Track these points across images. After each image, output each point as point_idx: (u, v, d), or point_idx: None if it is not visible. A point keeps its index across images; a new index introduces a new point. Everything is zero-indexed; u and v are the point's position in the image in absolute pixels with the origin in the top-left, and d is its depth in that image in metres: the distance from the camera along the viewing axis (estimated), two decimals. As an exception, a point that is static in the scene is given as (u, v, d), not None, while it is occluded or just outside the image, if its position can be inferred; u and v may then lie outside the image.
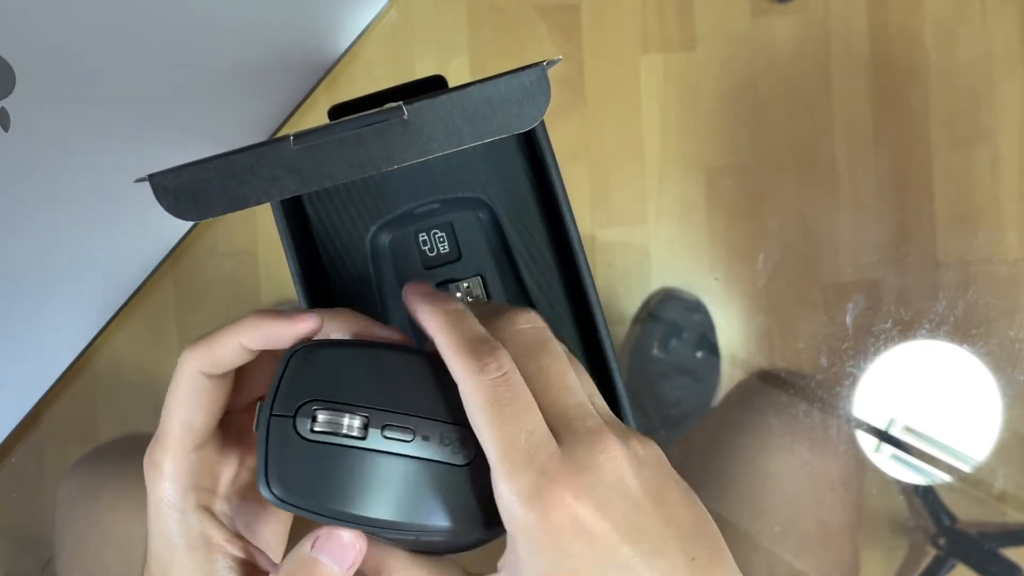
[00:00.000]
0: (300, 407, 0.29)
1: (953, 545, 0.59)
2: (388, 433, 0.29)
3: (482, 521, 0.30)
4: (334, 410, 0.29)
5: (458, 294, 0.40)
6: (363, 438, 0.29)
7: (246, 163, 0.29)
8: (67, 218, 0.52)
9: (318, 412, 0.29)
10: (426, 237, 0.40)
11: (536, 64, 0.29)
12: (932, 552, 0.59)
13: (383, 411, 0.29)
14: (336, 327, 0.32)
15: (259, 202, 0.29)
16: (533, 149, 0.39)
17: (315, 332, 0.31)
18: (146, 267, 0.54)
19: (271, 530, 0.35)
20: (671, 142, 0.58)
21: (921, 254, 0.58)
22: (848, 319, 0.58)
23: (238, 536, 0.33)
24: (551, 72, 0.30)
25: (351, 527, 0.29)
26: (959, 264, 0.58)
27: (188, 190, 0.29)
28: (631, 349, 0.59)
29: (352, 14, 0.53)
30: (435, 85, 0.41)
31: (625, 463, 0.28)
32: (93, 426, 0.56)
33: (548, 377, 0.29)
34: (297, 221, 0.39)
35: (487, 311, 0.31)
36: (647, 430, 0.58)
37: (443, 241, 0.40)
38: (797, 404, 0.57)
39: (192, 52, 0.52)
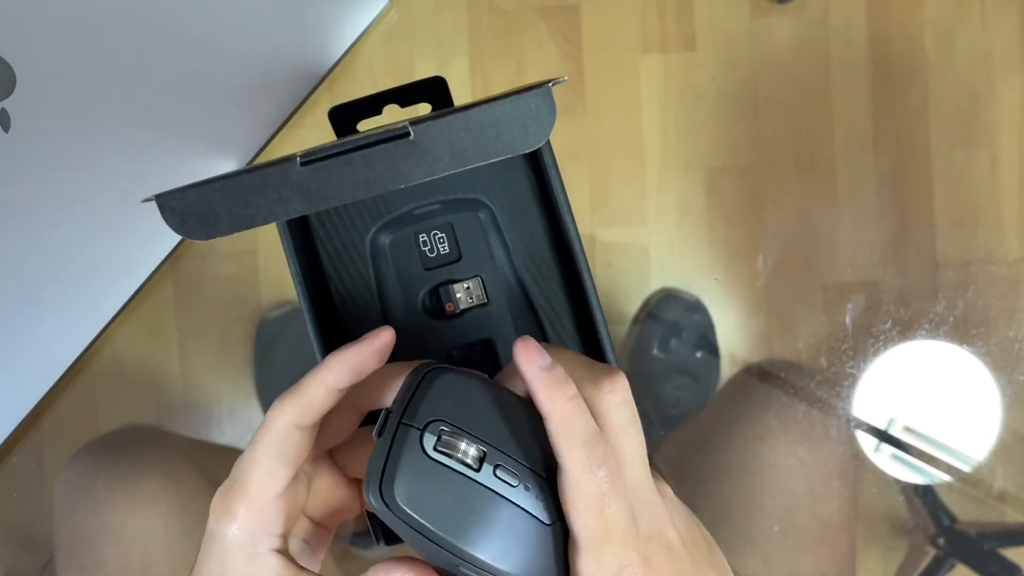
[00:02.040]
0: (429, 423, 0.30)
1: (952, 545, 0.59)
2: (499, 473, 0.30)
3: None
4: (459, 435, 0.30)
5: (458, 295, 0.40)
6: (477, 470, 0.30)
7: (252, 184, 0.29)
8: (67, 218, 0.52)
9: (444, 433, 0.30)
10: (426, 238, 0.40)
11: (541, 85, 0.29)
12: (931, 552, 0.59)
13: (499, 451, 0.30)
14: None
15: (266, 222, 0.29)
16: (533, 151, 0.39)
17: (393, 341, 0.33)
18: (146, 267, 0.54)
19: (313, 568, 0.36)
20: (671, 142, 0.58)
21: (921, 254, 0.58)
22: (848, 319, 0.58)
23: (304, 569, 0.33)
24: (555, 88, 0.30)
25: (443, 556, 0.30)
26: (959, 264, 0.58)
27: (195, 211, 0.29)
28: (631, 349, 0.59)
29: (352, 15, 0.53)
30: (435, 86, 0.41)
31: (668, 522, 0.32)
32: (93, 426, 0.57)
33: (633, 453, 0.32)
34: (297, 222, 0.39)
35: (585, 367, 0.33)
36: (647, 430, 0.58)
37: (443, 242, 0.40)
38: (796, 403, 0.57)
39: (192, 52, 0.52)
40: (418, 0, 0.56)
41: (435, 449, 0.30)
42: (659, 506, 0.32)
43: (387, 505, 0.29)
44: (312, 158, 0.29)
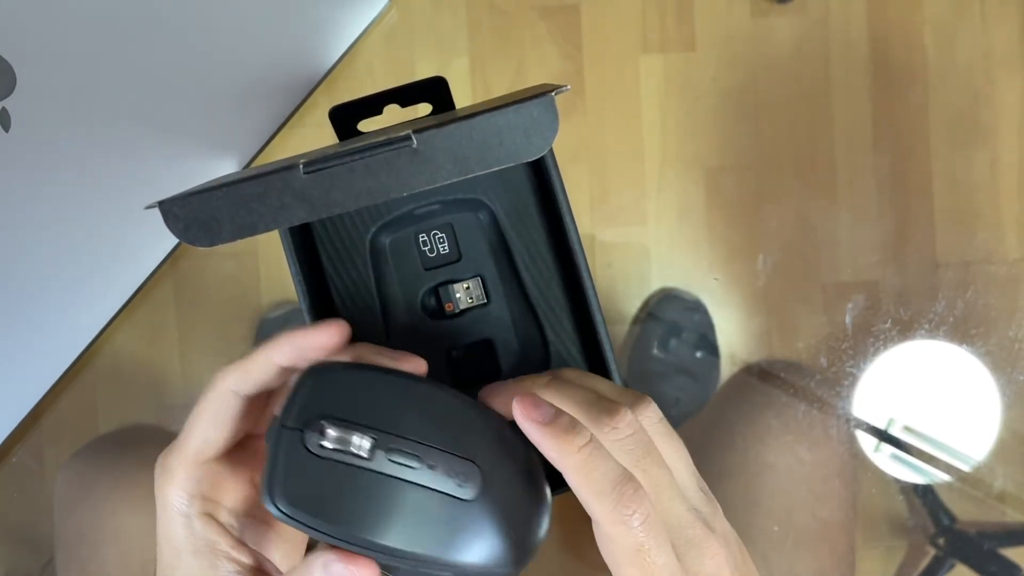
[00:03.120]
0: (310, 422, 0.29)
1: (952, 545, 0.59)
2: (394, 457, 0.29)
3: (482, 559, 0.30)
4: (343, 428, 0.29)
5: (458, 295, 0.40)
6: (369, 459, 0.29)
7: (255, 191, 0.29)
8: (67, 218, 0.52)
9: (327, 428, 0.29)
10: (426, 238, 0.40)
11: (544, 93, 0.29)
12: (931, 552, 0.59)
13: (392, 435, 0.29)
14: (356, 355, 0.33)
15: (268, 229, 0.29)
16: None
17: (344, 339, 0.32)
18: (146, 267, 0.54)
19: (281, 552, 0.36)
20: (671, 142, 0.58)
21: (921, 254, 0.58)
22: (848, 319, 0.58)
23: (244, 544, 0.33)
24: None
25: (353, 550, 0.29)
26: (959, 264, 0.58)
27: (198, 218, 0.29)
28: (631, 349, 0.59)
29: (352, 15, 0.53)
30: (436, 86, 0.41)
31: (724, 560, 0.31)
32: (93, 426, 0.57)
33: (657, 487, 0.31)
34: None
35: (585, 405, 0.31)
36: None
37: (443, 242, 0.40)
38: (796, 403, 0.57)
39: (192, 52, 0.52)
40: (418, 0, 0.56)
41: (320, 447, 0.29)
42: (708, 542, 0.31)
43: (283, 512, 0.28)
44: (314, 166, 0.29)
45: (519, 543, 0.30)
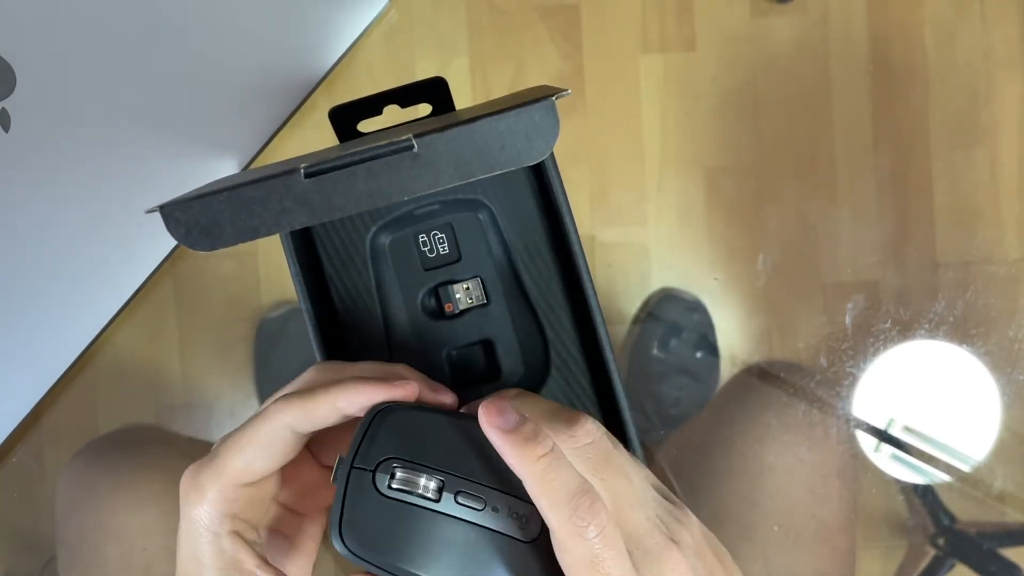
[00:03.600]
0: (380, 463, 0.30)
1: (952, 545, 0.59)
2: (461, 500, 0.30)
3: None
4: (412, 470, 0.30)
5: (458, 295, 0.40)
6: (437, 500, 0.30)
7: (257, 196, 0.29)
8: (67, 218, 0.52)
9: (397, 470, 0.30)
10: (426, 238, 0.40)
11: (545, 97, 0.29)
12: (931, 552, 0.59)
13: (458, 477, 0.30)
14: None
15: (269, 233, 0.30)
16: None
17: (414, 397, 0.32)
18: (146, 267, 0.54)
19: (297, 566, 0.36)
20: (671, 142, 0.58)
21: (921, 254, 0.58)
22: (848, 319, 0.58)
23: (267, 562, 0.33)
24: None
25: None
26: (959, 264, 0.58)
27: (199, 222, 0.29)
28: (631, 349, 0.59)
29: (352, 15, 0.53)
30: (435, 86, 0.41)
31: (685, 571, 0.31)
32: (93, 426, 0.57)
33: (615, 496, 0.31)
34: (297, 222, 0.39)
35: (546, 415, 0.32)
36: (646, 430, 0.58)
37: (443, 242, 0.40)
38: (796, 403, 0.57)
39: (191, 52, 0.52)
40: (418, 0, 0.56)
41: (390, 487, 0.30)
42: (668, 552, 0.31)
43: (351, 551, 0.29)
44: (316, 170, 0.29)
45: None
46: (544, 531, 0.30)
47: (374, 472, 0.30)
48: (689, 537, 0.32)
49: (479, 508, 0.30)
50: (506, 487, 0.30)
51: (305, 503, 0.36)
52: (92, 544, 0.53)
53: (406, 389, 0.32)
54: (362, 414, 0.32)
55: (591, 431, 0.31)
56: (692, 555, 0.31)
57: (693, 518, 0.33)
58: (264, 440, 0.32)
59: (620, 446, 0.33)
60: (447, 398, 0.34)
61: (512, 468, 0.30)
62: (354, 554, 0.29)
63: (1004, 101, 0.59)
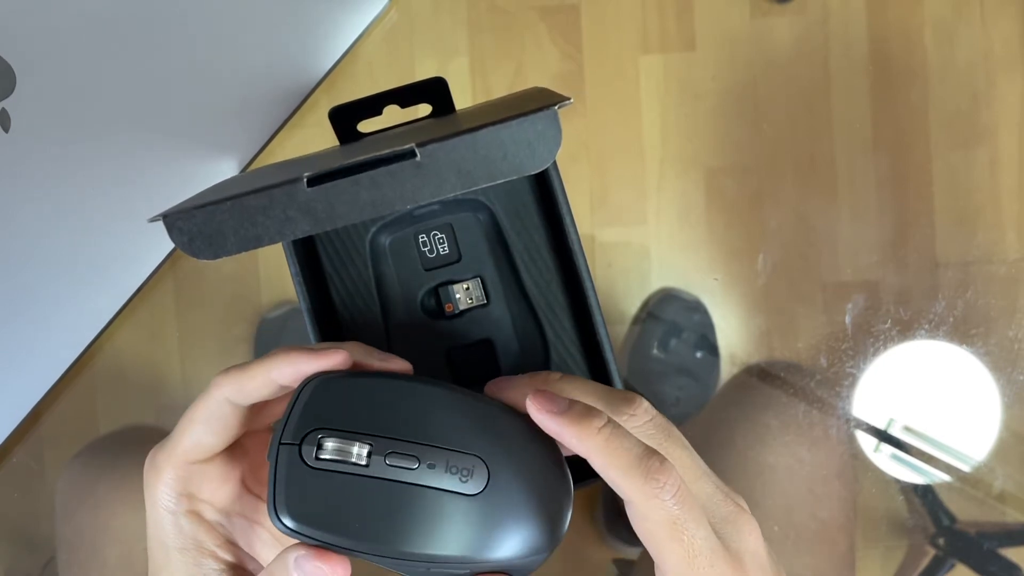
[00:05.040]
0: (306, 436, 0.30)
1: (952, 545, 0.59)
2: (392, 460, 0.29)
3: (495, 553, 0.29)
4: (338, 438, 0.29)
5: (458, 295, 0.40)
6: (367, 465, 0.29)
7: (259, 205, 0.29)
8: (67, 218, 0.52)
9: (323, 440, 0.29)
10: (426, 238, 0.40)
11: (547, 106, 0.29)
12: (931, 552, 0.59)
13: (387, 439, 0.29)
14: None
15: (272, 242, 0.30)
16: None
17: (345, 366, 0.32)
18: (146, 267, 0.54)
19: (269, 549, 0.36)
20: (671, 142, 0.58)
21: (921, 254, 0.58)
22: (848, 319, 0.58)
23: (230, 543, 0.33)
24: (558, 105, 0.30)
25: (353, 555, 0.29)
26: (958, 264, 0.58)
27: (203, 231, 0.30)
28: (631, 349, 0.59)
29: (352, 15, 0.53)
30: (435, 86, 0.41)
31: (757, 534, 0.31)
32: (93, 426, 0.57)
33: (683, 468, 0.30)
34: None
35: (601, 395, 0.31)
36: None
37: (443, 242, 0.40)
38: (796, 403, 0.57)
39: (191, 52, 0.52)
40: (418, 0, 0.56)
41: (317, 459, 0.29)
42: (743, 517, 0.31)
43: (288, 527, 0.29)
44: (319, 179, 0.29)
45: (539, 532, 0.30)
46: (490, 483, 0.29)
47: (300, 445, 0.29)
48: (747, 505, 0.32)
49: (412, 467, 0.29)
50: (442, 442, 0.30)
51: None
52: (92, 544, 0.53)
53: (335, 357, 0.31)
54: (292, 383, 0.32)
55: (648, 408, 0.31)
56: (753, 518, 0.32)
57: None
58: (206, 415, 0.32)
59: (676, 431, 0.33)
60: (396, 365, 0.33)
61: (574, 449, 0.29)
62: (292, 530, 0.29)
63: (1004, 101, 0.59)
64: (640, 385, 0.59)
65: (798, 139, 0.58)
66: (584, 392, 0.32)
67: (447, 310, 0.40)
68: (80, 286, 0.53)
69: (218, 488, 0.34)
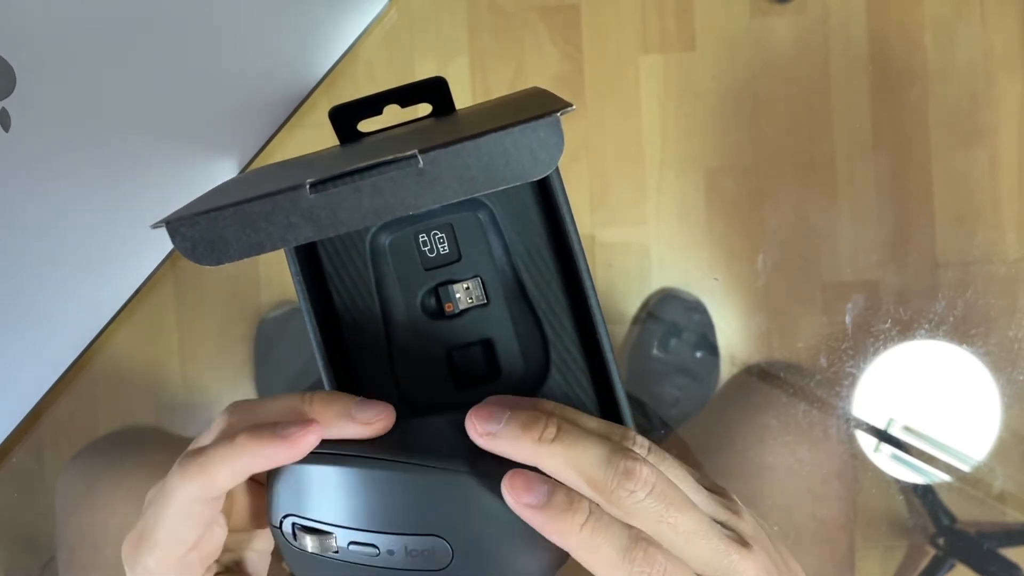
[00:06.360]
0: (282, 520, 0.31)
1: (952, 545, 0.59)
2: (354, 548, 0.30)
3: None
4: (305, 528, 0.31)
5: (458, 295, 0.40)
6: (338, 552, 0.30)
7: (262, 211, 0.29)
8: (67, 218, 0.52)
9: (295, 527, 0.31)
10: (426, 238, 0.40)
11: (549, 113, 0.29)
12: (931, 552, 0.59)
13: (347, 528, 0.30)
14: (323, 415, 0.32)
15: (275, 248, 0.30)
16: None
17: (313, 446, 0.31)
18: (146, 267, 0.54)
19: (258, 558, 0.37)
20: (671, 142, 0.58)
21: (921, 254, 0.58)
22: (848, 319, 0.58)
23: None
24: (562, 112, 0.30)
25: None
26: (958, 264, 0.58)
27: (205, 238, 0.30)
28: (631, 349, 0.59)
29: (352, 15, 0.53)
30: (436, 86, 0.41)
31: (761, 571, 0.30)
32: (93, 426, 0.57)
33: (685, 533, 0.29)
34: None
35: (604, 467, 0.30)
36: (647, 430, 0.58)
37: (443, 242, 0.40)
38: (796, 403, 0.57)
39: (191, 52, 0.52)
40: (418, 0, 0.56)
41: (296, 539, 0.31)
42: (745, 564, 0.30)
43: None
44: (321, 185, 0.29)
45: None
46: (454, 560, 0.30)
47: (280, 528, 0.31)
48: (750, 528, 0.31)
49: (374, 554, 0.30)
50: (398, 527, 0.30)
51: (254, 522, 0.35)
52: (92, 544, 0.53)
53: (301, 446, 0.30)
54: (262, 471, 0.32)
55: (648, 477, 0.29)
56: (759, 549, 0.31)
57: (739, 504, 0.33)
58: (178, 517, 0.31)
59: (668, 458, 0.32)
60: (374, 419, 0.32)
61: (555, 543, 0.28)
62: None
63: (1004, 101, 0.59)
64: (640, 385, 0.59)
65: (798, 139, 0.58)
66: (578, 467, 0.30)
67: (447, 310, 0.40)
68: (80, 285, 0.53)
69: (204, 557, 0.33)
